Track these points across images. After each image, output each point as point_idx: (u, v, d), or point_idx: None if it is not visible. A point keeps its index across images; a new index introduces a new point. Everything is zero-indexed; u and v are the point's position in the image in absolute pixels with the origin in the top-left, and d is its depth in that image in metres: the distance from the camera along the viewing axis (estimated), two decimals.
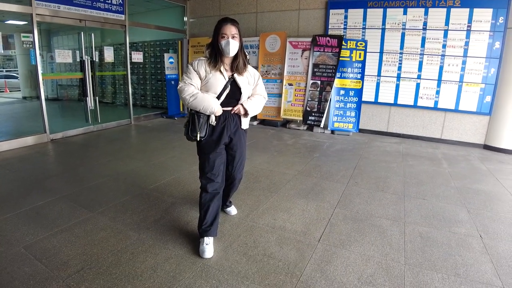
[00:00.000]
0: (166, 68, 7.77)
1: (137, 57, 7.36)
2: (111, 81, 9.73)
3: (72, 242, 2.45)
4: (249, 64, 2.52)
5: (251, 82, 2.48)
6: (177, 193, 3.40)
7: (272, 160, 4.60)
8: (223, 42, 2.27)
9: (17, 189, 3.46)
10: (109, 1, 6.37)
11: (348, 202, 3.29)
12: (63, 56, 5.82)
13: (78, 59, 6.13)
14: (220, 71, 2.32)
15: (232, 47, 2.27)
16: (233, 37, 2.28)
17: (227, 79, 2.33)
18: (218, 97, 2.33)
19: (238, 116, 2.47)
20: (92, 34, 6.14)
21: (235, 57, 2.35)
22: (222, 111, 2.35)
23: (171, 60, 7.82)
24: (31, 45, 5.27)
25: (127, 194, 3.35)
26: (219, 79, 2.32)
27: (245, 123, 2.53)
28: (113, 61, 6.89)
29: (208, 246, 2.37)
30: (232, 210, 2.98)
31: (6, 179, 3.74)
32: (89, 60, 6.10)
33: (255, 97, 2.53)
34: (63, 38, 9.75)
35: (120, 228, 2.67)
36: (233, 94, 2.38)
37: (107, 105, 9.47)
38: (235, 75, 2.36)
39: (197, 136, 2.34)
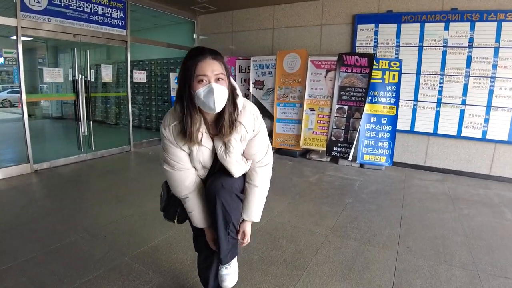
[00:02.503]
0: (172, 89, 7.01)
1: (139, 76, 6.62)
2: (110, 103, 9.03)
3: None
4: (240, 102, 1.61)
5: (245, 135, 1.61)
6: (168, 266, 2.50)
7: (294, 208, 3.69)
8: (201, 91, 1.42)
9: None
10: (109, 15, 5.68)
11: (405, 286, 2.35)
12: (52, 75, 5.09)
13: (70, 78, 5.42)
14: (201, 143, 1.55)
15: (219, 97, 1.42)
16: (217, 80, 1.44)
17: (210, 148, 1.59)
18: (211, 171, 1.70)
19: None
20: (87, 51, 5.43)
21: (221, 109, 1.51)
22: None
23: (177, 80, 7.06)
24: (14, 62, 4.56)
25: (101, 264, 2.47)
26: (203, 152, 1.59)
27: None
28: (111, 81, 6.14)
29: None
30: (229, 276, 1.76)
31: None
32: (83, 80, 5.36)
33: (252, 192, 1.71)
34: (71, 55, 9.18)
35: None
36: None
37: (105, 129, 8.71)
38: (216, 139, 1.59)
39: (173, 221, 1.83)
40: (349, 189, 4.42)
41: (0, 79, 5.48)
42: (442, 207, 3.89)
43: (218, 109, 1.45)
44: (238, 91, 1.58)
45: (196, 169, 1.64)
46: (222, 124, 1.51)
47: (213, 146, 1.58)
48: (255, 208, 1.73)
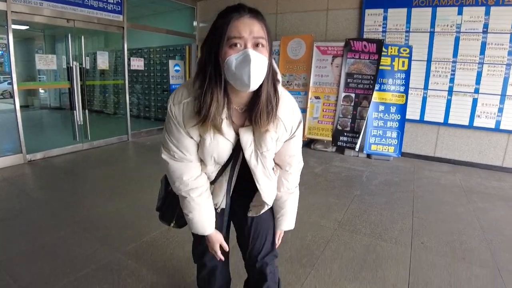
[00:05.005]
0: (171, 77, 6.76)
1: (137, 64, 6.36)
2: (107, 92, 8.80)
3: None
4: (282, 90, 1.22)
5: (282, 136, 1.25)
6: (163, 263, 2.30)
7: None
8: (233, 59, 1.02)
9: None
10: None
11: (422, 286, 2.15)
12: (45, 61, 4.86)
13: (64, 66, 5.19)
14: (221, 130, 1.15)
15: (256, 68, 1.02)
16: (256, 45, 1.04)
17: (232, 140, 1.20)
18: (223, 168, 1.29)
19: (248, 193, 1.40)
20: (82, 37, 5.19)
21: (258, 88, 1.10)
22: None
23: (176, 68, 6.82)
24: (5, 49, 4.33)
25: (91, 261, 2.27)
26: (220, 144, 1.19)
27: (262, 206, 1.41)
28: (107, 68, 5.90)
29: None
30: None
31: None
32: (77, 67, 5.12)
33: (291, 200, 1.48)
34: (65, 42, 8.94)
35: None
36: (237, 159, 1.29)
37: (102, 119, 8.48)
38: (243, 132, 1.19)
39: (170, 224, 1.54)
40: (356, 181, 4.21)
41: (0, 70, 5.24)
42: (455, 200, 3.68)
43: (255, 85, 1.04)
44: (279, 76, 1.19)
45: (205, 163, 1.26)
46: (258, 110, 1.12)
47: (237, 139, 1.20)
48: (293, 216, 1.53)
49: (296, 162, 1.39)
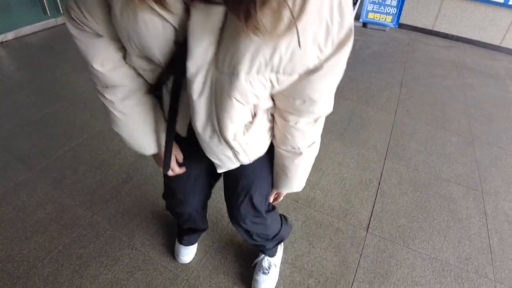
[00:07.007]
0: None
1: None
2: None
3: None
4: None
5: (290, 60, 0.55)
6: None
7: None
8: None
9: None
10: None
11: (400, 148, 2.25)
12: None
13: None
14: None
15: None
16: None
17: (172, 21, 0.54)
18: (169, 71, 0.67)
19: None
20: None
21: None
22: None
23: None
24: None
25: (84, 131, 2.25)
26: (142, 22, 0.54)
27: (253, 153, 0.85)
28: None
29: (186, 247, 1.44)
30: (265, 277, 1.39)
31: None
32: None
33: (294, 164, 0.87)
34: None
35: (66, 202, 1.69)
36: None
37: None
38: (198, 14, 0.52)
39: None
40: None
41: None
42: (445, 74, 3.64)
43: None
44: None
45: (128, 52, 0.70)
46: None
47: (179, 22, 0.55)
48: (301, 179, 0.95)
49: (311, 110, 0.71)
